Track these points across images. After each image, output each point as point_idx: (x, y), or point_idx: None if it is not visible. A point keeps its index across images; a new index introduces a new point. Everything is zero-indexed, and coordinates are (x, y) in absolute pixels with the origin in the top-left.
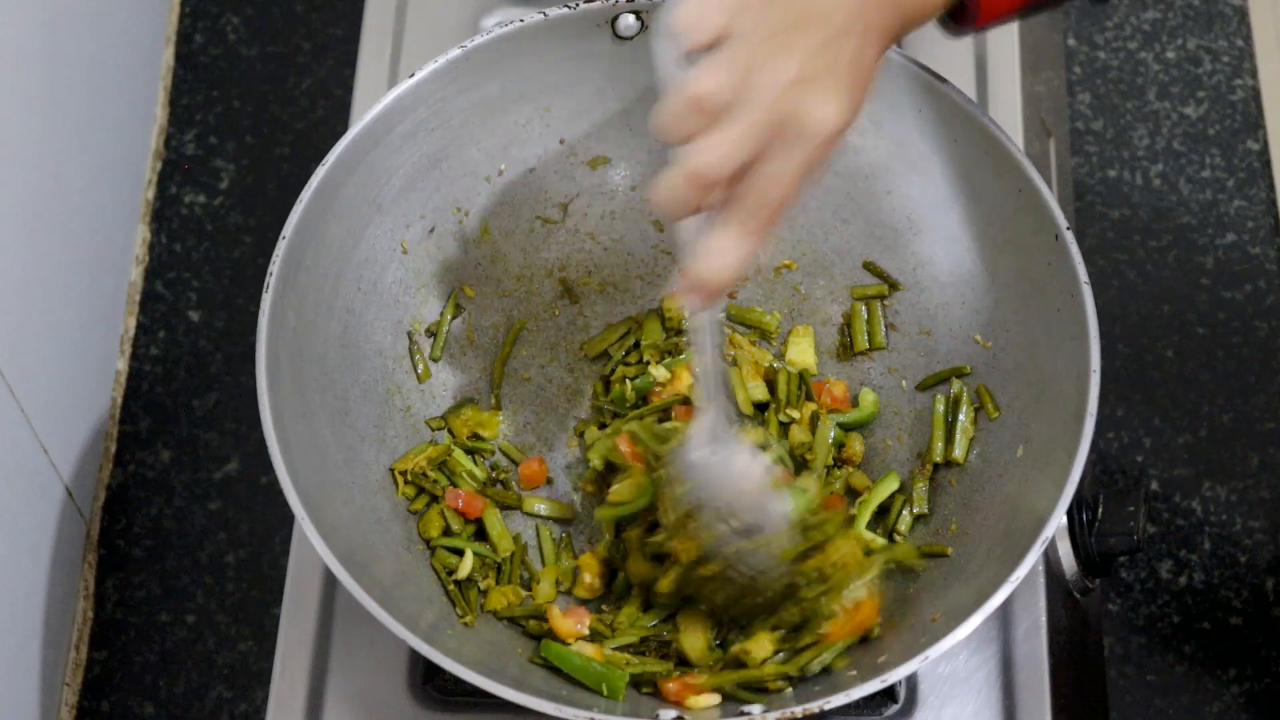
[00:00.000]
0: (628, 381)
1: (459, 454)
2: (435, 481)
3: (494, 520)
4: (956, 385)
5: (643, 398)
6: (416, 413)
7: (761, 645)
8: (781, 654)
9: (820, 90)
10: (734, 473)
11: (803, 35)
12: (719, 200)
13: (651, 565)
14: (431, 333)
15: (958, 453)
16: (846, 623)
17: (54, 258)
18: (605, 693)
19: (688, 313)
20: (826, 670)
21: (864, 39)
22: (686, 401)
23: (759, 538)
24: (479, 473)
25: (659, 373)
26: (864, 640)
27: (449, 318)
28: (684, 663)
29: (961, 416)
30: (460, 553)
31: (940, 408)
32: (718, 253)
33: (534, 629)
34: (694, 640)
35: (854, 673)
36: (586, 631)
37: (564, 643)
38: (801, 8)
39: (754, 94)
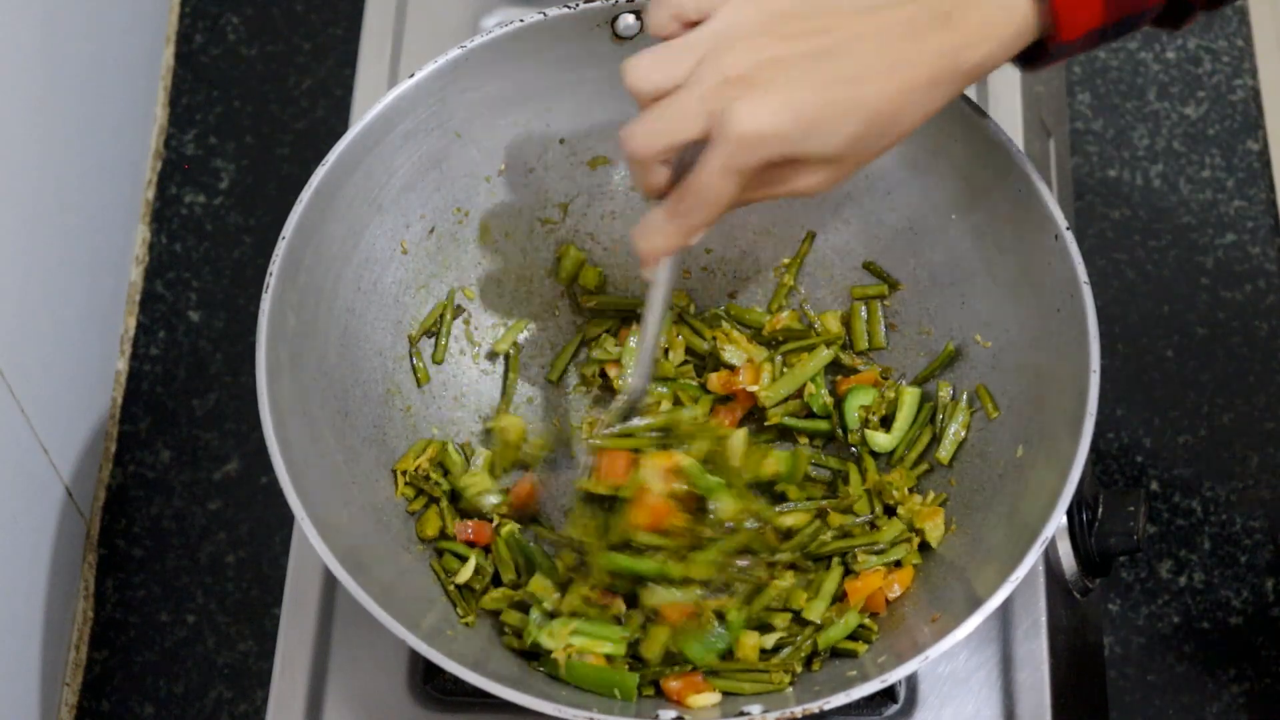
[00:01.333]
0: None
1: (452, 450)
2: (436, 483)
3: (499, 543)
4: (945, 390)
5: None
6: (416, 413)
7: (750, 639)
8: (785, 649)
9: (759, 92)
10: None
11: (786, 39)
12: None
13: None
14: (432, 333)
15: (944, 454)
16: (863, 589)
17: (54, 258)
18: (619, 695)
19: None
20: (837, 656)
21: (875, 65)
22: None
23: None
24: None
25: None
26: (874, 616)
27: (449, 319)
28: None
29: (955, 426)
30: (463, 557)
31: (935, 412)
32: (648, 230)
33: (519, 626)
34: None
35: (854, 673)
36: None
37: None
38: (821, 11)
39: (692, 83)
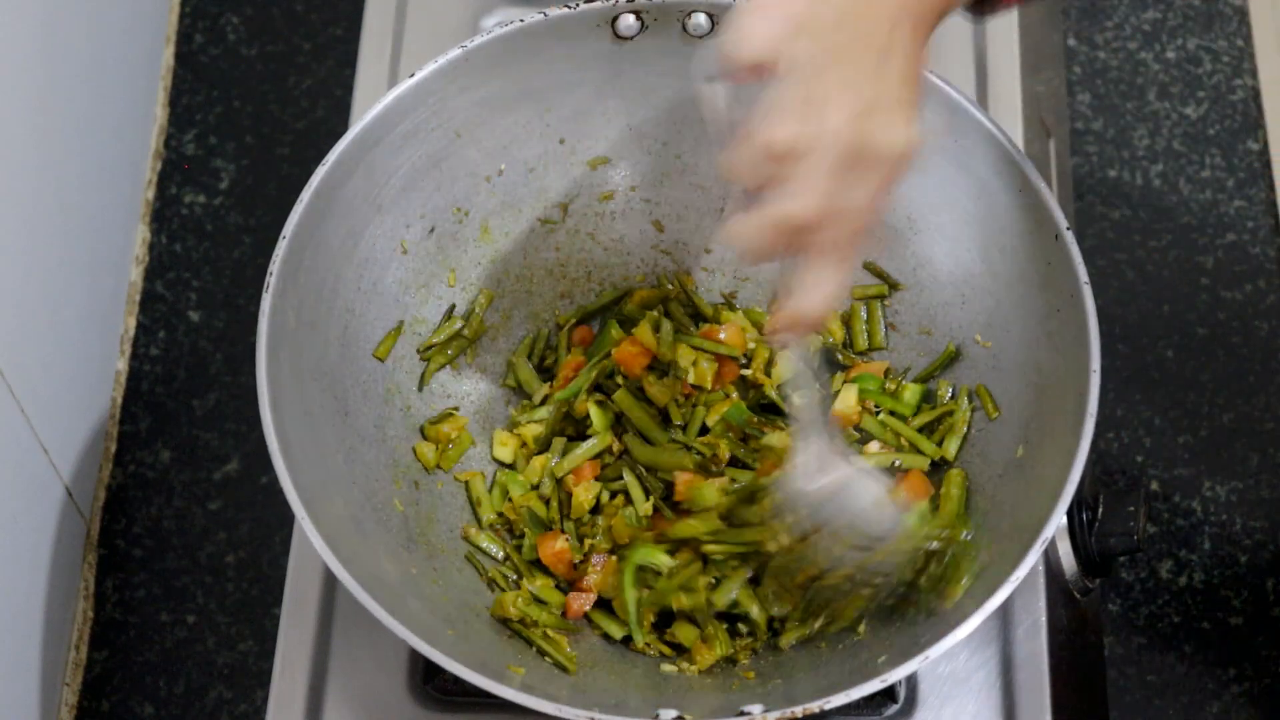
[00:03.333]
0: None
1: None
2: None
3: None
4: (944, 388)
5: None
6: (416, 413)
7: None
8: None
9: (885, 115)
10: (853, 495)
11: (855, 63)
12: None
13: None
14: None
15: (951, 451)
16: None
17: (54, 258)
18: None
19: (779, 348)
20: (840, 635)
21: (908, 47)
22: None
23: (880, 548)
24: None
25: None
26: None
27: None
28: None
29: (953, 416)
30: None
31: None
32: (814, 287)
33: (538, 637)
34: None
35: (854, 673)
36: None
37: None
38: (850, 31)
39: (826, 136)
